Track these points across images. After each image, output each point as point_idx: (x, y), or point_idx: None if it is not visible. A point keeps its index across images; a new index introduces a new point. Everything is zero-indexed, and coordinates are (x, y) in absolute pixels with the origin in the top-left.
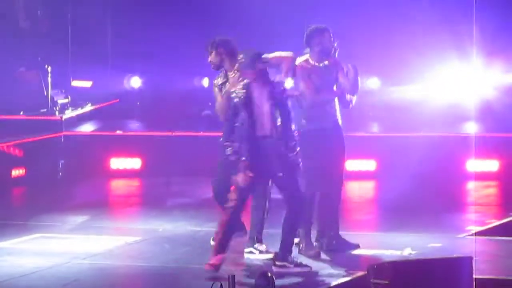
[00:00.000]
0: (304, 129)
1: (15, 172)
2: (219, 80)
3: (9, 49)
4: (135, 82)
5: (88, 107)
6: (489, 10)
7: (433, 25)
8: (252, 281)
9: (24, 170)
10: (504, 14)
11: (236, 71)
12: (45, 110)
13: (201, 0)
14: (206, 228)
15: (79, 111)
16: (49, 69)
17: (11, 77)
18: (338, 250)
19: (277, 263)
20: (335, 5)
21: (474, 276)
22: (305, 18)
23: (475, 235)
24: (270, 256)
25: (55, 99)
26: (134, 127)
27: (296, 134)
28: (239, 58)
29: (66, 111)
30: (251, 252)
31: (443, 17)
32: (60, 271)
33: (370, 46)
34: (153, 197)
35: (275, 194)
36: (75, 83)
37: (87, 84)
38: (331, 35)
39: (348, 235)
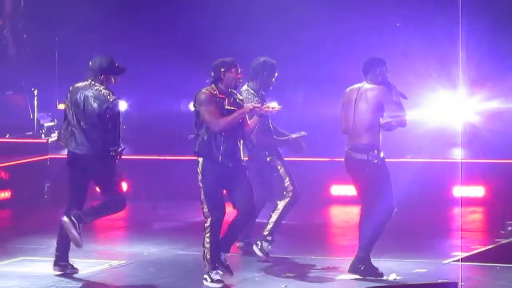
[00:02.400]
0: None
1: (1, 195)
2: None
3: None
4: (121, 105)
5: None
6: (474, 37)
7: (419, 52)
8: None
9: (9, 193)
10: (490, 41)
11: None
12: (31, 133)
13: (188, 25)
14: (192, 252)
15: None
16: (36, 92)
17: None
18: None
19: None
20: (325, 28)
21: None
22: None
23: (461, 261)
24: None
25: (41, 122)
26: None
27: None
28: None
29: (52, 134)
30: None
31: (429, 44)
32: None
33: (357, 71)
34: (138, 221)
35: None
36: (61, 106)
37: None
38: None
39: (333, 260)
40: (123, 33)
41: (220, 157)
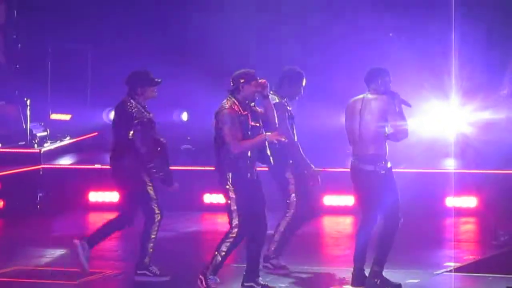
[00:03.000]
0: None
1: None
2: None
3: None
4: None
5: (67, 140)
6: (467, 47)
7: (411, 62)
8: None
9: (2, 203)
10: (482, 51)
11: None
12: (23, 142)
13: (181, 35)
14: (187, 262)
15: (58, 144)
16: (28, 102)
17: None
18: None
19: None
20: (317, 39)
21: None
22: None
23: (453, 271)
24: None
25: (33, 132)
26: None
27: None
28: None
29: (45, 144)
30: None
31: (421, 54)
32: None
33: (349, 82)
34: (131, 231)
35: None
36: (54, 116)
37: (66, 117)
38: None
39: (326, 270)
40: (115, 43)
41: (249, 174)
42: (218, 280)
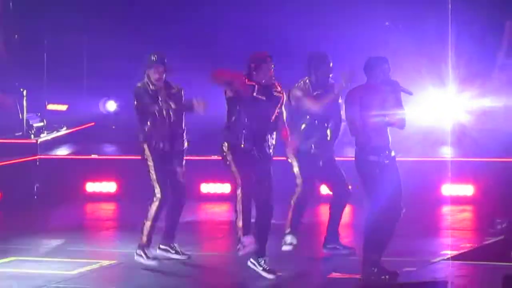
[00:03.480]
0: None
1: None
2: None
3: None
4: (111, 105)
5: (64, 131)
6: (464, 35)
7: (408, 50)
8: None
9: None
10: (479, 39)
11: None
12: (20, 133)
13: (177, 29)
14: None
15: (55, 134)
16: (25, 92)
17: None
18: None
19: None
20: (313, 28)
21: None
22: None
23: (450, 259)
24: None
25: (30, 122)
26: (110, 150)
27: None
28: None
29: (42, 135)
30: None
31: (418, 42)
32: None
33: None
34: (128, 221)
35: None
36: (51, 107)
37: (63, 107)
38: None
39: (322, 259)
40: (111, 34)
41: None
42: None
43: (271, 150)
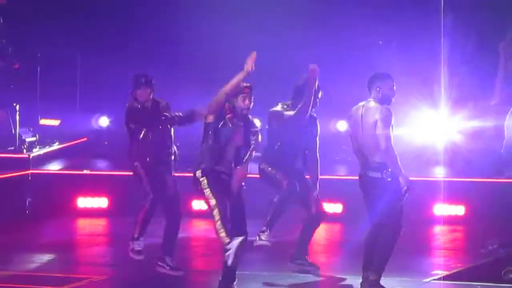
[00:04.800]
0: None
1: None
2: None
3: None
4: (103, 121)
5: (56, 146)
6: (457, 55)
7: (401, 70)
8: None
9: None
10: (472, 60)
11: None
12: (12, 148)
13: (168, 42)
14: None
15: (47, 149)
16: (17, 107)
17: None
18: None
19: None
20: (307, 46)
21: None
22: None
23: (442, 279)
24: None
25: (22, 137)
26: (102, 166)
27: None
28: None
29: (34, 149)
30: None
31: (411, 62)
32: None
33: (338, 89)
34: (120, 236)
35: None
36: (43, 122)
37: (55, 122)
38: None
39: (313, 277)
40: (105, 49)
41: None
42: None
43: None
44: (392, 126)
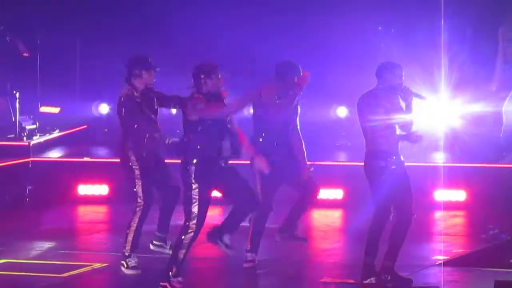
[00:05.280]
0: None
1: None
2: None
3: None
4: (103, 108)
5: (56, 133)
6: (457, 40)
7: (402, 56)
8: None
9: None
10: (472, 44)
11: None
12: (12, 135)
13: (170, 31)
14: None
15: (47, 137)
16: (17, 95)
17: None
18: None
19: None
20: (307, 32)
21: None
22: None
23: (442, 265)
24: None
25: (23, 124)
26: (102, 153)
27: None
28: None
29: (34, 137)
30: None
31: (411, 48)
32: None
33: (338, 76)
34: (120, 224)
35: None
36: (43, 109)
37: (55, 110)
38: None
39: (314, 263)
40: (104, 36)
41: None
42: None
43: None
44: (399, 113)
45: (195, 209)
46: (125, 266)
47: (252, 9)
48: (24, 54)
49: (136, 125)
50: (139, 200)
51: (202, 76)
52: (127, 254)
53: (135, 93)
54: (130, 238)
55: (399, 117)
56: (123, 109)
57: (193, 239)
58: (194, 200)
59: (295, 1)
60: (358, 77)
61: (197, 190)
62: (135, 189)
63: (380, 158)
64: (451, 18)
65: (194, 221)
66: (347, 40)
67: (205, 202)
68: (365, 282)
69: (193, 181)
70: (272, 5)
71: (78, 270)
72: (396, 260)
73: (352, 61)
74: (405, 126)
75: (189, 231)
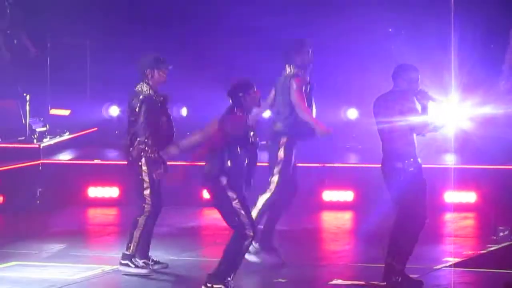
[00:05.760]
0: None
1: None
2: None
3: None
4: (114, 110)
5: (66, 136)
6: (467, 42)
7: (412, 58)
8: None
9: (2, 198)
10: (482, 46)
11: None
12: (23, 138)
13: (180, 33)
14: (183, 257)
15: (57, 139)
16: (28, 97)
17: None
18: None
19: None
20: (317, 34)
21: None
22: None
23: (452, 266)
24: None
25: (33, 127)
26: (112, 155)
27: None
28: None
29: (44, 139)
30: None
31: (421, 49)
32: None
33: (348, 77)
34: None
35: None
36: (54, 112)
37: (66, 112)
38: None
39: (324, 265)
40: (114, 39)
41: None
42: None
43: None
44: (415, 115)
45: (243, 218)
46: (133, 265)
47: (261, 10)
48: (32, 50)
49: (157, 126)
50: (147, 203)
51: (240, 94)
52: (130, 253)
53: (154, 93)
54: (135, 241)
55: (415, 119)
56: (144, 107)
57: (251, 243)
58: (239, 210)
59: (305, 2)
60: (368, 79)
61: (236, 200)
62: (144, 192)
63: (397, 159)
64: (461, 20)
65: (249, 227)
66: (357, 42)
67: (248, 207)
68: (387, 283)
69: (230, 193)
70: (282, 6)
71: (89, 273)
72: (406, 262)
73: (362, 63)
74: (421, 128)
75: (247, 238)
